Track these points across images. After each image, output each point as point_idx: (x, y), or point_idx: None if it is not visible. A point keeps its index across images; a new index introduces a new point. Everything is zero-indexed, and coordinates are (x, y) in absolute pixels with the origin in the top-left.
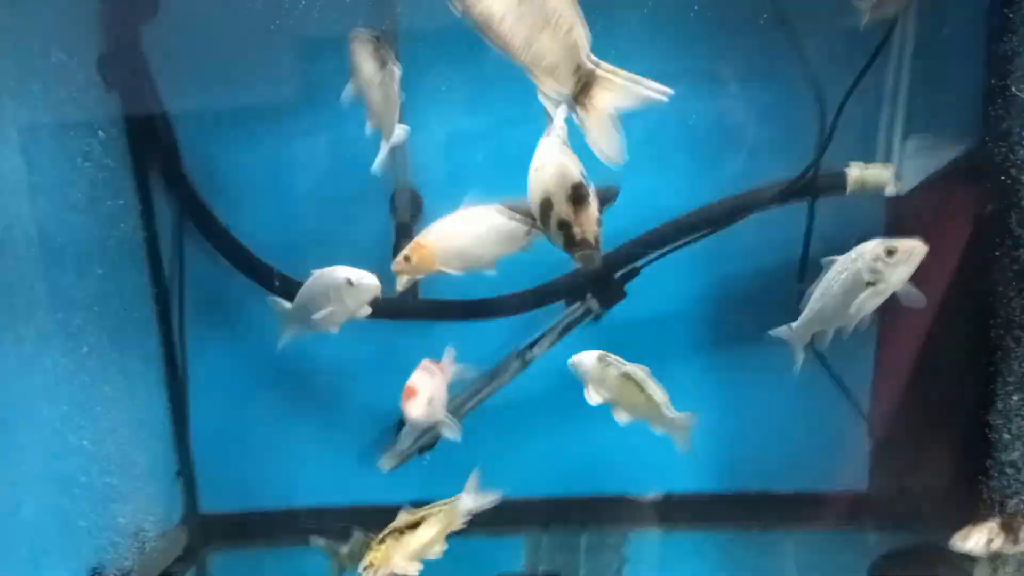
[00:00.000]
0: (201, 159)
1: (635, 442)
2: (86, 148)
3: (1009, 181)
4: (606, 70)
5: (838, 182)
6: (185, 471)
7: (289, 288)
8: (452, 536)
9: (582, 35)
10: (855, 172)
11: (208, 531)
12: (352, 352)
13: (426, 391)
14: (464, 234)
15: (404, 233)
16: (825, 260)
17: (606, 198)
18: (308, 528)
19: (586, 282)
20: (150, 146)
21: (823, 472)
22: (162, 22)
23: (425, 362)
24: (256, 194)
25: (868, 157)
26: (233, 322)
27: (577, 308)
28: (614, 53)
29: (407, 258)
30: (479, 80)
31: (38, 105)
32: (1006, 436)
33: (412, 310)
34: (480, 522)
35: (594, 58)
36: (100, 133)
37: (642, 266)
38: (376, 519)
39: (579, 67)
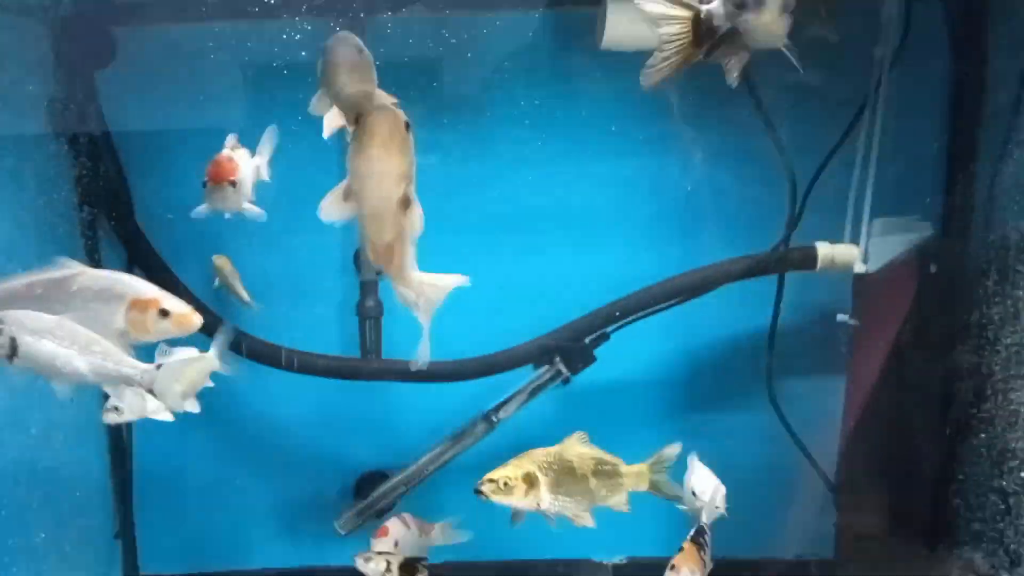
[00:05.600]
0: (154, 208)
1: (599, 506)
2: (33, 193)
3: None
4: None
5: (809, 258)
6: (125, 532)
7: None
8: None
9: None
10: (825, 249)
11: None
12: (310, 410)
13: (395, 535)
14: None
15: (369, 291)
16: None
17: None
18: None
19: (556, 346)
20: (100, 194)
21: (789, 540)
22: (118, 68)
23: (406, 515)
24: (212, 246)
25: (836, 235)
26: None
27: (546, 371)
28: (592, 126)
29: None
30: (441, 140)
31: None
32: (970, 507)
33: (375, 371)
34: None
35: None
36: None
37: (612, 331)
38: None
39: None
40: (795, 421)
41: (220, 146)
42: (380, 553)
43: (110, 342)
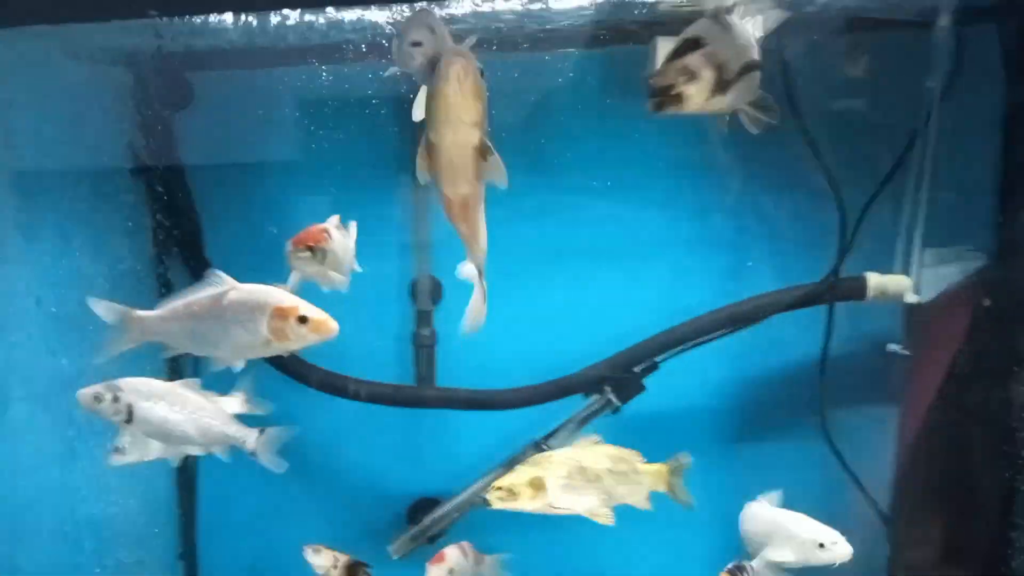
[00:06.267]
0: (223, 244)
1: (647, 538)
2: (110, 228)
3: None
4: None
5: (858, 288)
6: (188, 553)
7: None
8: None
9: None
10: (876, 279)
11: None
12: (365, 437)
13: (451, 562)
14: None
15: (424, 320)
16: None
17: None
18: None
19: (606, 375)
20: (173, 230)
21: (840, 573)
22: (195, 110)
23: (465, 544)
24: (275, 278)
25: (887, 265)
26: None
27: (596, 400)
28: (642, 157)
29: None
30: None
31: (66, 190)
32: None
33: (430, 399)
34: None
35: None
36: (124, 215)
37: (662, 360)
38: None
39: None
40: (847, 451)
41: (290, 188)
42: (329, 548)
43: (258, 352)
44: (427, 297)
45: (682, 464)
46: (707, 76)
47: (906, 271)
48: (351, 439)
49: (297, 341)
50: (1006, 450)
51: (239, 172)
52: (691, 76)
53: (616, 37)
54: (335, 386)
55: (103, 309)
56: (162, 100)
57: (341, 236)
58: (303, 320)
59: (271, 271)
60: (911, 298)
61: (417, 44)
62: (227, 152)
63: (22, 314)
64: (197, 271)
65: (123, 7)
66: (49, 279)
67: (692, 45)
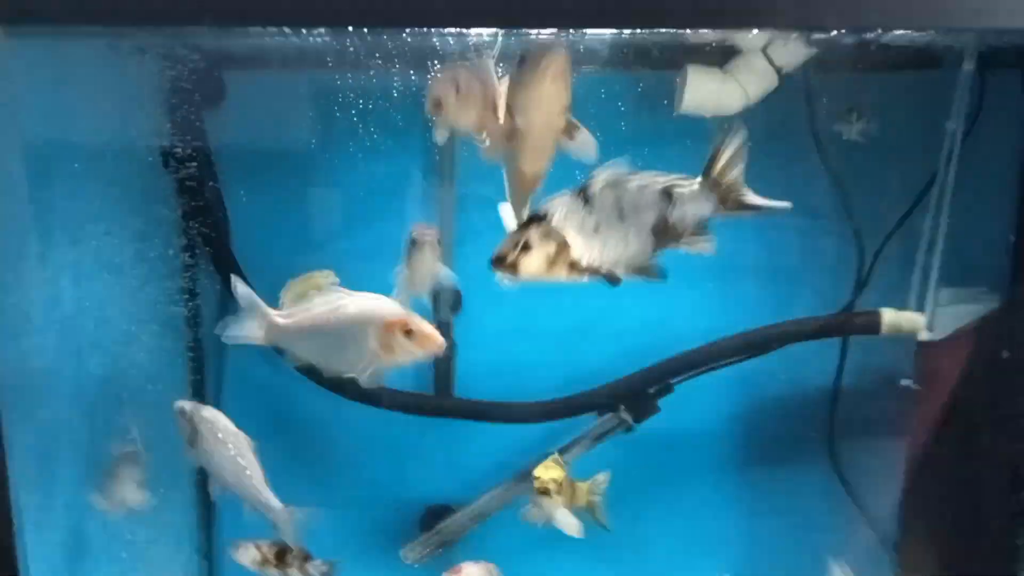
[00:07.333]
0: (252, 243)
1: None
2: (139, 226)
3: None
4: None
5: (873, 323)
6: (208, 554)
7: None
8: None
9: None
10: (890, 315)
11: None
12: (378, 442)
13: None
14: None
15: (444, 332)
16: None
17: None
18: None
19: (621, 395)
20: (201, 226)
21: None
22: (227, 109)
23: (491, 565)
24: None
25: (902, 302)
26: (267, 403)
27: (610, 419)
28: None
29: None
30: None
31: (98, 185)
32: None
33: (445, 408)
34: None
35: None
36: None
37: (677, 383)
38: None
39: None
40: (855, 481)
41: (314, 189)
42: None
43: (368, 366)
44: (448, 308)
45: (599, 484)
46: (543, 250)
47: (921, 308)
48: (363, 445)
49: (404, 355)
50: (1011, 484)
51: (267, 170)
52: (526, 248)
53: (646, 61)
54: (359, 392)
55: (243, 296)
56: (195, 97)
57: None
58: (408, 333)
59: (294, 267)
60: (924, 335)
61: (438, 107)
62: (256, 150)
63: (49, 302)
64: (221, 264)
65: (180, 15)
66: (79, 267)
67: (538, 219)
